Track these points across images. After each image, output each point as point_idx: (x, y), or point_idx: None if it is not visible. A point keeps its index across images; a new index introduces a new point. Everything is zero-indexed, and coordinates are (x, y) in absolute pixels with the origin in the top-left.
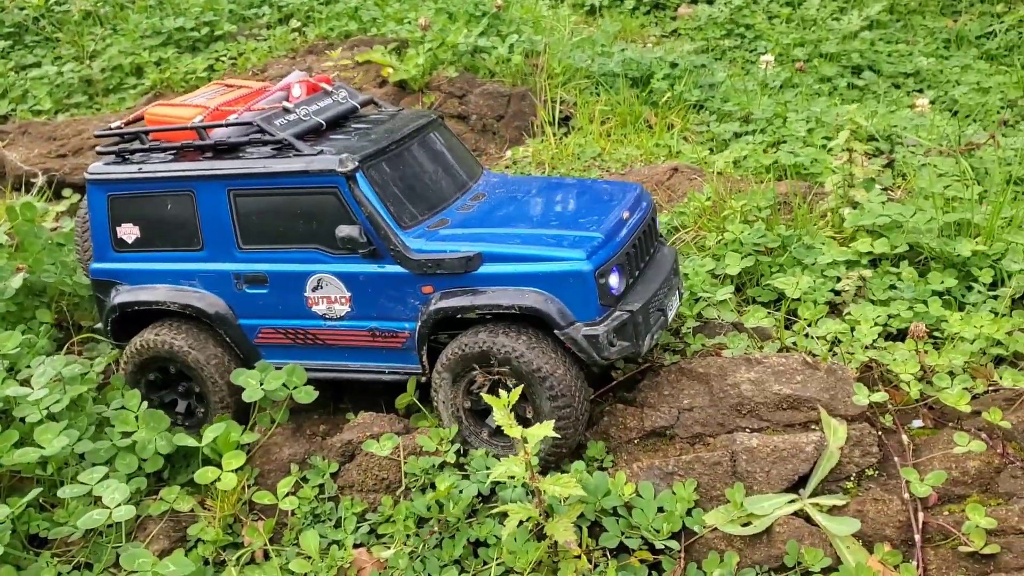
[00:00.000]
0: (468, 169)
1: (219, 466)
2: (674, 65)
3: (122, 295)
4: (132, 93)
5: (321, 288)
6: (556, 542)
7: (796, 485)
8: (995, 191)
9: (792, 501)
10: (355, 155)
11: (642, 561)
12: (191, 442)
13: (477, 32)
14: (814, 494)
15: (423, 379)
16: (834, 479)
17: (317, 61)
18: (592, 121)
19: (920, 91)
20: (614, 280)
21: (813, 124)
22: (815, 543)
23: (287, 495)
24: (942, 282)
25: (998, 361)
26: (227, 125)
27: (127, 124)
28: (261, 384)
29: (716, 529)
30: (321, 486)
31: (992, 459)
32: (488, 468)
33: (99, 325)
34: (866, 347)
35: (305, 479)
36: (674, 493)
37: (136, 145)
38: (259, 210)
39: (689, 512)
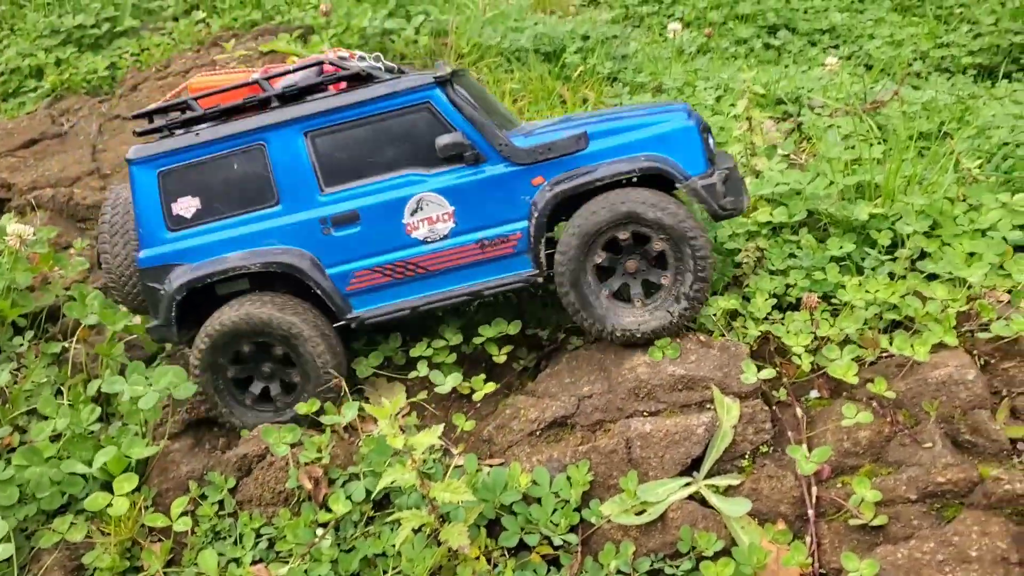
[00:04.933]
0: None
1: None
2: (586, 38)
3: (188, 274)
4: (32, 96)
5: (421, 210)
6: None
7: (692, 467)
8: (898, 150)
9: (687, 484)
10: (442, 62)
11: (543, 557)
12: (80, 468)
13: (384, 14)
14: (709, 475)
15: (540, 279)
16: (729, 458)
17: (221, 53)
18: (504, 98)
19: (836, 47)
20: (710, 141)
21: (722, 91)
22: (710, 526)
23: (183, 515)
24: (840, 247)
25: (895, 325)
26: (296, 70)
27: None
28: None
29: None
30: (220, 502)
31: (883, 428)
32: (377, 471)
33: (153, 323)
34: (762, 320)
35: (204, 496)
36: (569, 479)
37: (186, 115)
38: (342, 146)
39: (588, 504)
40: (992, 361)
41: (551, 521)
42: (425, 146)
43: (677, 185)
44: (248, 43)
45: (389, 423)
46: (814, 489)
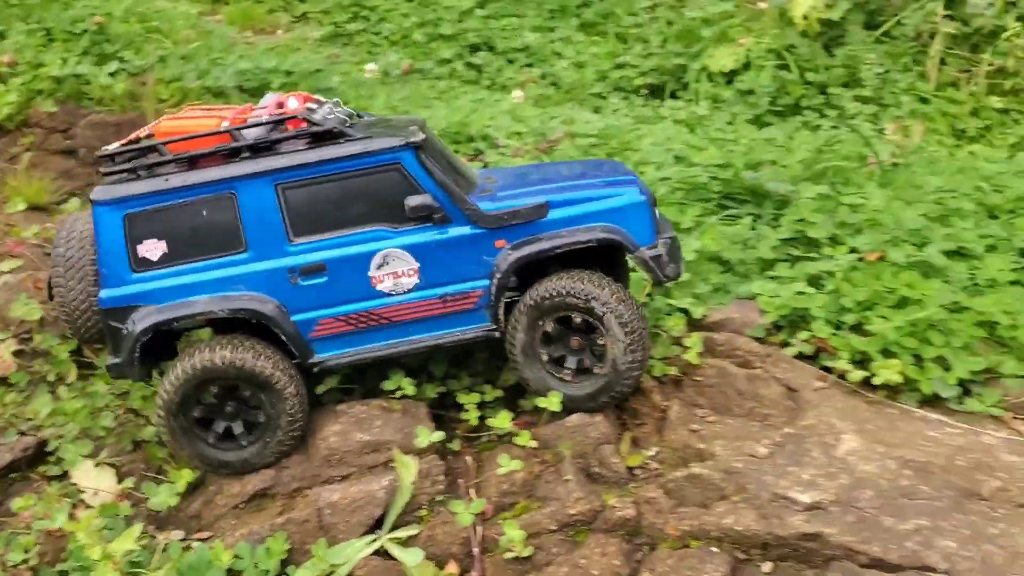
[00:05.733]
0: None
1: None
2: (290, 73)
3: (154, 315)
4: None
5: (387, 264)
6: None
7: (378, 525)
8: None
9: (372, 541)
10: (415, 128)
11: None
12: None
13: (75, 56)
14: (393, 529)
15: (497, 335)
16: (410, 511)
17: None
18: None
19: (530, 66)
20: (656, 212)
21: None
22: None
23: None
24: None
25: None
26: (269, 123)
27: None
28: None
29: None
30: None
31: (534, 468)
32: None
33: (112, 361)
34: (439, 381)
35: None
36: (268, 549)
37: (153, 159)
38: (312, 200)
39: (286, 572)
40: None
41: None
42: (394, 204)
43: (627, 256)
44: None
45: (87, 534)
46: (479, 529)
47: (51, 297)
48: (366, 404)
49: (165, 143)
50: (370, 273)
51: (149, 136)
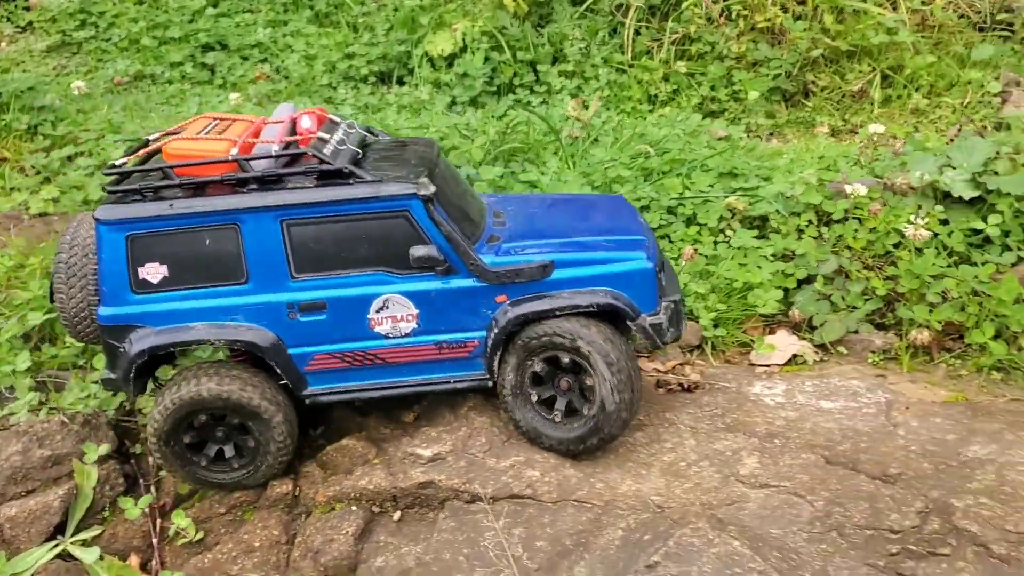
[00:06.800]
0: (473, 198)
1: None
2: None
3: (151, 338)
4: None
5: (387, 308)
6: None
7: (60, 532)
8: None
9: (55, 547)
10: (426, 179)
11: None
12: None
13: None
14: (76, 533)
15: (489, 384)
16: (93, 515)
17: None
18: None
19: (264, 61)
20: (663, 278)
21: (128, 137)
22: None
23: None
24: None
25: None
26: (278, 156)
27: (135, 161)
28: None
29: None
30: None
31: None
32: None
33: (108, 375)
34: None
35: None
36: None
37: (160, 181)
38: (317, 238)
39: None
40: None
41: None
42: (398, 250)
43: (628, 323)
44: None
45: None
46: (159, 522)
47: (51, 299)
48: (47, 421)
49: (173, 167)
50: (369, 315)
51: (157, 153)
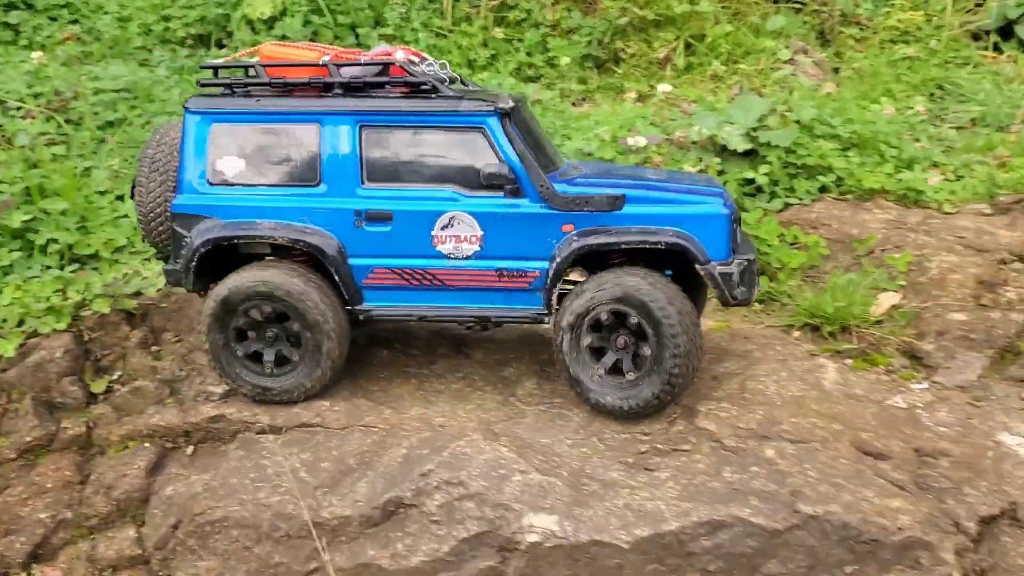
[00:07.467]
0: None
1: None
2: None
3: (217, 230)
4: None
5: (451, 227)
6: None
7: None
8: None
9: None
10: (507, 95)
11: None
12: None
13: None
14: None
15: (545, 321)
16: None
17: None
18: None
19: (75, 22)
20: (738, 231)
21: None
22: None
23: None
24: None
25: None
26: (368, 64)
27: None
28: None
29: None
30: None
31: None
32: None
33: (172, 266)
34: None
35: None
36: None
37: (251, 79)
38: (392, 147)
39: None
40: (92, 334)
41: None
42: (470, 167)
43: (696, 267)
44: None
45: None
46: None
47: (132, 196)
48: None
49: (265, 66)
50: (434, 232)
51: (253, 55)
